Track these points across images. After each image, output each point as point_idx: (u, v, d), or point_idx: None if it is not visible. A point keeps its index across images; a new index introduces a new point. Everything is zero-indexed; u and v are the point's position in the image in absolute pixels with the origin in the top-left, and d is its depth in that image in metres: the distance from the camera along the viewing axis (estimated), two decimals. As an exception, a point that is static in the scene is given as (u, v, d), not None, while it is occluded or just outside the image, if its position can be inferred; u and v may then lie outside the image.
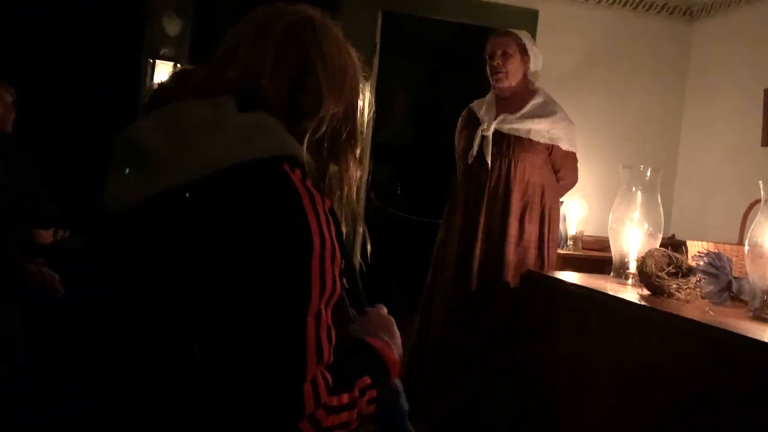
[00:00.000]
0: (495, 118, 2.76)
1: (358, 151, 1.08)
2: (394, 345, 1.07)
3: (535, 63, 2.79)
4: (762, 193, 1.71)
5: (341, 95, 1.03)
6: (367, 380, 0.96)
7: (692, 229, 3.55)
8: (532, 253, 2.71)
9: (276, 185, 0.89)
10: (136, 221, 0.91)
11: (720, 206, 3.57)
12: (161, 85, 1.04)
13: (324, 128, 1.00)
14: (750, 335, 1.46)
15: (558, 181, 2.83)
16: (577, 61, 3.86)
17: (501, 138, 2.72)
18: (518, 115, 2.74)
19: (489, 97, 2.87)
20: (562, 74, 3.73)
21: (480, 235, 2.71)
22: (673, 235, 3.67)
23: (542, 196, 2.73)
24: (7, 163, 2.55)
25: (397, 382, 1.15)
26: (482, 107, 2.85)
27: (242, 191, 0.87)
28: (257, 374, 0.83)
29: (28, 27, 3.71)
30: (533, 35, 3.31)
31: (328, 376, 0.88)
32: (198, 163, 0.88)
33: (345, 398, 0.90)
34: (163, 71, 3.53)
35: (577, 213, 3.49)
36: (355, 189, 1.08)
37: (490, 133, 2.72)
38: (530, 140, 2.71)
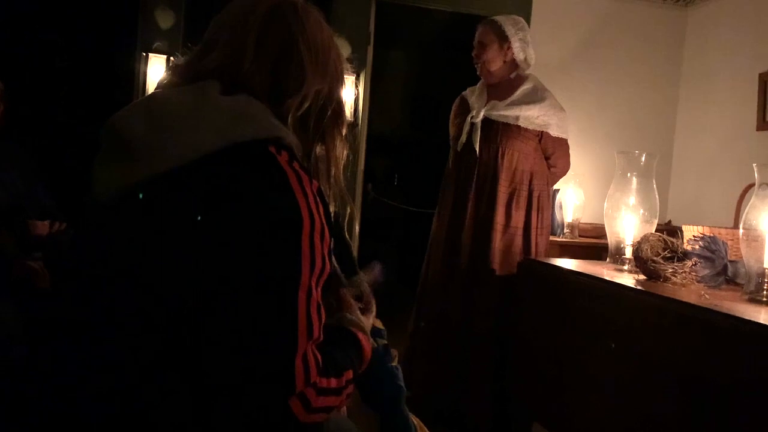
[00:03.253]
0: (485, 106, 2.75)
1: (344, 131, 1.09)
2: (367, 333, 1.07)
3: (522, 50, 2.75)
4: (756, 176, 1.72)
5: (325, 73, 1.03)
6: (351, 374, 0.97)
7: (688, 214, 3.56)
8: (519, 239, 2.70)
9: (262, 167, 0.89)
10: (125, 210, 0.91)
11: (716, 191, 3.58)
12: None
13: (307, 105, 1.00)
14: (746, 317, 1.47)
15: (549, 168, 2.82)
16: (571, 48, 3.86)
17: (490, 125, 2.71)
18: (507, 101, 2.73)
19: (480, 84, 2.87)
20: (557, 62, 3.73)
21: (468, 222, 2.71)
22: (670, 221, 3.68)
23: (531, 183, 2.72)
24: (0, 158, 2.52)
25: (396, 366, 1.16)
26: (473, 95, 2.85)
27: (228, 175, 0.88)
28: (249, 350, 0.83)
29: (21, 21, 3.69)
30: (527, 23, 3.29)
31: (319, 356, 0.89)
32: (182, 148, 0.89)
33: (333, 383, 0.91)
34: (156, 64, 3.52)
35: (573, 200, 3.49)
36: (342, 169, 1.09)
37: (478, 120, 2.72)
38: (519, 127, 2.69)
